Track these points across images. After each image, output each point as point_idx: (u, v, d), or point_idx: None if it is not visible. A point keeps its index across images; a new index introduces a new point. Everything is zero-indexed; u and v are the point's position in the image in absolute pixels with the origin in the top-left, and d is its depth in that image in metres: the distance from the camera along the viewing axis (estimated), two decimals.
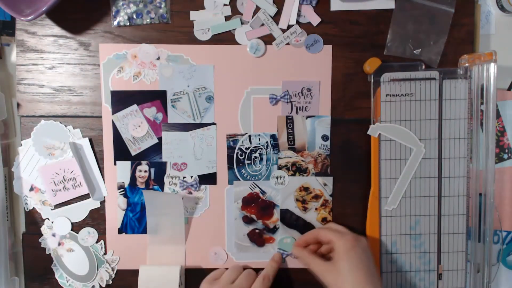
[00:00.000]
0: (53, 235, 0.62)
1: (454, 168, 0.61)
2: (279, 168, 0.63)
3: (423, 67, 0.61)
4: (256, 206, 0.63)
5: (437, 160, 0.61)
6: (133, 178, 0.62)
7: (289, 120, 0.62)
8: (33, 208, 0.62)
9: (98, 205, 0.62)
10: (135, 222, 0.63)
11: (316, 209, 0.63)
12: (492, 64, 0.57)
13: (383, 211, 0.61)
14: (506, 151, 0.65)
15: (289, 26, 0.61)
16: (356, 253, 0.55)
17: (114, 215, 0.62)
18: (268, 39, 0.61)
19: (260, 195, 0.63)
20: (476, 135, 0.61)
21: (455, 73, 0.60)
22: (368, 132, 0.61)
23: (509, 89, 0.64)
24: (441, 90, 0.60)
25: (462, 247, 0.62)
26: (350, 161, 0.63)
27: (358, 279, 0.53)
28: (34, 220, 0.62)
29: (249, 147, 0.62)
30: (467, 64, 0.60)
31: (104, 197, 0.62)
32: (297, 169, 0.63)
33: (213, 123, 0.62)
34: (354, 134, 0.63)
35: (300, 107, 0.62)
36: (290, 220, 0.63)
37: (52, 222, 0.62)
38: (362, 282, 0.53)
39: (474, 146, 0.61)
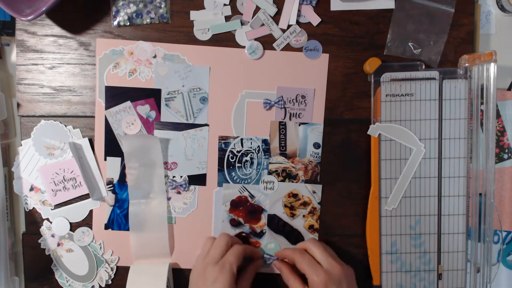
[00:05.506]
0: (52, 235, 0.62)
1: (454, 168, 0.61)
2: (269, 173, 0.62)
3: (423, 67, 0.61)
4: (244, 210, 0.63)
5: (437, 160, 0.61)
6: (122, 175, 0.62)
7: (282, 126, 0.62)
8: (33, 208, 0.62)
9: (98, 205, 0.62)
10: (122, 218, 0.62)
11: (303, 216, 0.63)
12: (492, 64, 0.57)
13: (383, 211, 0.61)
14: (506, 151, 0.65)
15: (289, 26, 0.61)
16: None
17: (102, 211, 0.62)
18: (268, 40, 0.61)
19: (249, 199, 0.63)
20: (476, 135, 0.61)
21: (455, 73, 0.60)
22: (368, 132, 0.61)
23: (509, 89, 0.64)
24: (441, 90, 0.60)
25: (462, 247, 0.62)
26: (350, 161, 0.63)
27: None
28: (34, 220, 0.62)
29: (240, 150, 0.62)
30: (467, 64, 0.60)
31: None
32: (287, 175, 0.63)
33: (206, 124, 0.62)
34: (354, 134, 0.63)
35: (293, 114, 0.62)
36: (277, 225, 0.63)
37: (51, 223, 0.62)
38: None
39: (474, 146, 0.61)
